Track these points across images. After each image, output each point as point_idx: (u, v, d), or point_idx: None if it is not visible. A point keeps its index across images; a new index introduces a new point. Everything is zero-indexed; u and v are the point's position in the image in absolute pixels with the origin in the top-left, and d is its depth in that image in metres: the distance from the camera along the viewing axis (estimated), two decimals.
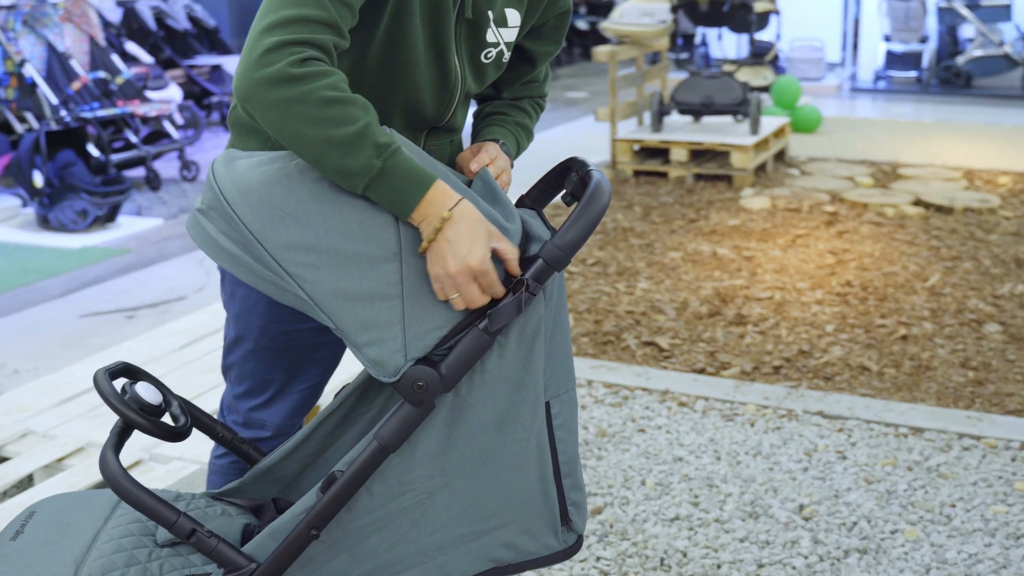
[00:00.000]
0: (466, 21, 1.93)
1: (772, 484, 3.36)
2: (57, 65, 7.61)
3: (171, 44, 10.41)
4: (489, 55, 1.99)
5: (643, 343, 4.60)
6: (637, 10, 8.29)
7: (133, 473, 3.19)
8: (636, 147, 8.09)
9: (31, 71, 7.37)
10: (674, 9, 8.17)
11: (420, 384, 1.64)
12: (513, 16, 2.00)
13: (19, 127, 7.60)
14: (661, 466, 3.49)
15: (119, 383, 1.87)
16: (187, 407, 1.95)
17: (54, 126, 7.11)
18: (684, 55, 12.93)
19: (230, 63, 10.38)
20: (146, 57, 9.32)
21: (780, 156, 8.47)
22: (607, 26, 8.28)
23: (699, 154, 7.95)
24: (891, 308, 4.97)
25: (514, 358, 1.70)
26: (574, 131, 10.38)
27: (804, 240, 6.13)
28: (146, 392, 1.84)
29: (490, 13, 1.95)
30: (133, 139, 7.61)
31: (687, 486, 3.36)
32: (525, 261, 1.69)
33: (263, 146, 1.91)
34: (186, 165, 7.94)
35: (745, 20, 8.28)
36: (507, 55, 2.03)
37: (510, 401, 1.72)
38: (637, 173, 7.92)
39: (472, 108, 2.23)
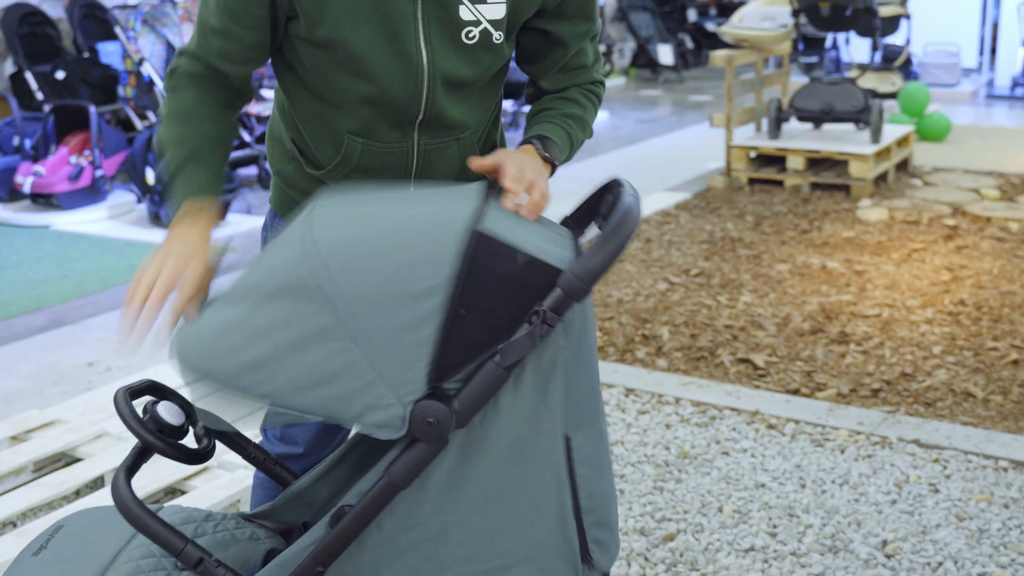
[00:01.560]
0: (430, 0, 1.85)
1: (856, 516, 3.20)
2: None
3: None
4: (471, 35, 1.88)
5: (738, 360, 4.45)
6: (757, 14, 8.10)
7: (199, 480, 3.19)
8: (752, 154, 7.89)
9: (149, 70, 7.50)
10: (795, 13, 7.94)
11: (431, 421, 1.56)
12: None
13: (139, 124, 7.75)
14: (741, 492, 3.36)
15: (145, 401, 1.83)
16: (217, 426, 1.90)
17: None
18: (812, 59, 12.63)
19: None
20: None
21: (903, 166, 8.18)
22: (726, 30, 8.10)
23: (817, 162, 7.72)
24: (1005, 330, 4.72)
25: (530, 391, 1.61)
26: (691, 136, 10.20)
27: (920, 255, 5.89)
28: (167, 412, 1.80)
29: None
30: (246, 137, 7.68)
31: (766, 515, 3.22)
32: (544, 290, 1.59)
33: (283, 155, 2.09)
34: None
35: (870, 25, 8.01)
36: (497, 34, 1.91)
37: (525, 435, 1.63)
38: (752, 181, 7.73)
39: (493, 108, 2.08)
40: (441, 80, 1.90)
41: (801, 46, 9.43)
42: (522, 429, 1.62)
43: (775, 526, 3.15)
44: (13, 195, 7.08)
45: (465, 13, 1.87)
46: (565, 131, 2.00)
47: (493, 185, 1.77)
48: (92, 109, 6.96)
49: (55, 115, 7.23)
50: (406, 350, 1.54)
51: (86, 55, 8.42)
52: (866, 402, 4.02)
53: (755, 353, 4.51)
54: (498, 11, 1.89)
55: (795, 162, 7.57)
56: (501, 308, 1.57)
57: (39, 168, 6.92)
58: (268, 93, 8.44)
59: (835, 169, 7.62)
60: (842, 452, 3.62)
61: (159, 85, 7.45)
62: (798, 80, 11.07)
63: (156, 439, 1.75)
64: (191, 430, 1.87)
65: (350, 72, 1.88)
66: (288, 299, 1.56)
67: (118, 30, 7.57)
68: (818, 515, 3.21)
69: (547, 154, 1.92)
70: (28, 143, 7.20)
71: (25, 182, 6.90)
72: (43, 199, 6.88)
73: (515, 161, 1.80)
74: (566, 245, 1.67)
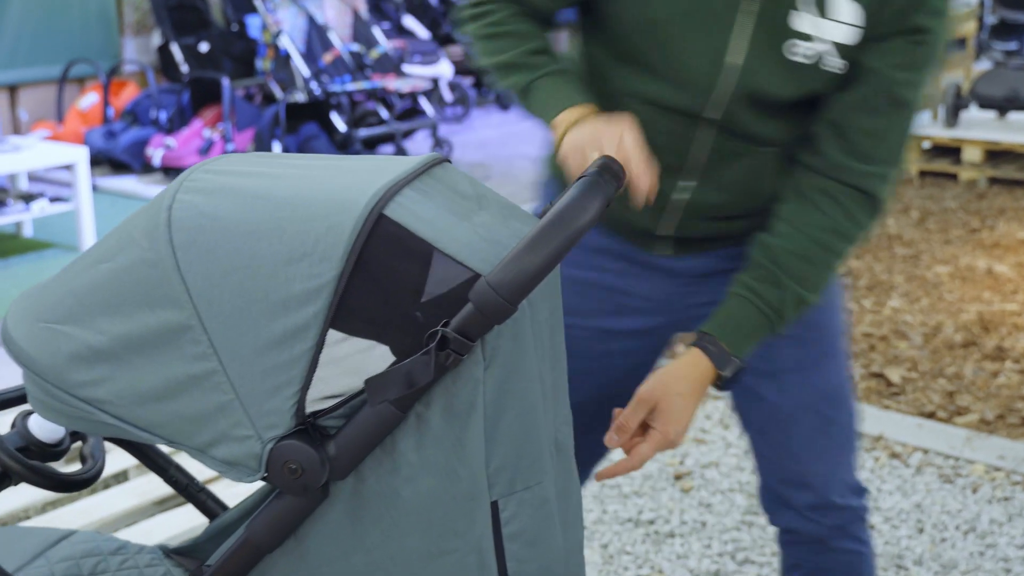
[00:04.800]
0: None
1: (978, 574, 2.67)
2: (316, 37, 7.53)
3: (452, 19, 10.25)
4: (796, 50, 1.52)
5: (870, 374, 3.92)
6: None
7: (217, 486, 2.88)
8: (925, 144, 7.23)
9: (286, 42, 7.31)
10: None
11: (293, 467, 1.16)
12: (848, 6, 1.49)
13: (280, 96, 7.58)
14: None
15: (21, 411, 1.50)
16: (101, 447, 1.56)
17: (300, 98, 7.02)
18: (1010, 46, 11.68)
19: None
20: (423, 32, 9.18)
21: None
22: None
23: (996, 155, 7.00)
24: None
25: (439, 439, 1.19)
26: None
27: None
28: (40, 427, 1.46)
29: None
30: (384, 114, 7.43)
31: None
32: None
33: None
34: (438, 143, 7.71)
35: None
36: (836, 62, 1.51)
37: (435, 497, 1.21)
38: (923, 173, 7.06)
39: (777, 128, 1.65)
40: (747, 94, 1.57)
41: (985, 30, 8.66)
42: (430, 489, 1.21)
43: None
44: (147, 168, 6.99)
45: (801, 22, 1.51)
46: (766, 314, 1.59)
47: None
48: (225, 82, 6.79)
49: (192, 88, 7.12)
50: (273, 371, 1.15)
51: (234, 27, 8.32)
52: (1013, 431, 3.45)
53: (892, 367, 3.96)
54: (845, 33, 1.51)
55: (972, 154, 6.88)
56: (397, 323, 1.18)
57: (170, 141, 6.81)
58: (410, 69, 8.18)
59: (1017, 162, 6.89)
60: (974, 492, 3.08)
61: (295, 58, 7.26)
62: (982, 68, 10.24)
63: (10, 459, 1.42)
64: (82, 444, 1.54)
65: (643, 36, 1.59)
66: (135, 282, 1.19)
67: (257, 1, 7.40)
68: (931, 569, 2.69)
69: (721, 373, 1.58)
70: (164, 115, 7.10)
71: (155, 154, 6.79)
72: (174, 172, 6.77)
73: (655, 391, 1.55)
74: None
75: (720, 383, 1.57)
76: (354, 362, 1.59)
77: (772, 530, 2.84)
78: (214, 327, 1.15)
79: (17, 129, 7.77)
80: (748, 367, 1.61)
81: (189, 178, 1.22)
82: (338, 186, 1.20)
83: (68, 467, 1.66)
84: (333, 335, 1.16)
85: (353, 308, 1.14)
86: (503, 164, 8.26)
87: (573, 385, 1.54)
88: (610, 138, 1.43)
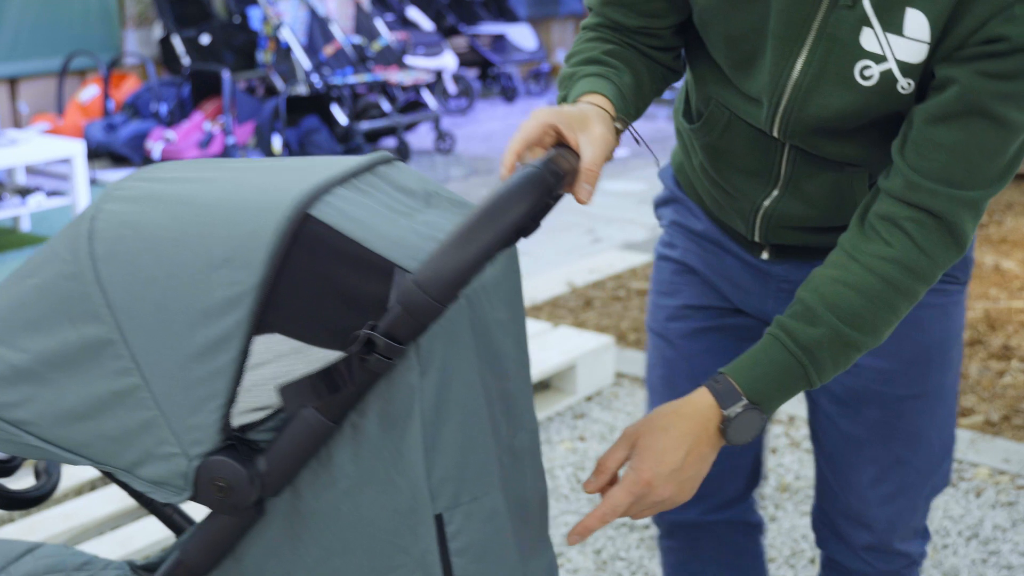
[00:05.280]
0: (838, 7, 1.35)
1: None
2: (317, 29, 7.47)
3: (456, 11, 10.18)
4: (869, 73, 1.37)
5: None
6: None
7: None
8: None
9: (287, 35, 7.25)
10: None
11: (220, 484, 1.10)
12: (917, 22, 1.33)
13: (281, 89, 7.53)
14: None
15: None
16: None
17: (301, 91, 6.96)
18: None
19: (515, 32, 10.04)
20: (426, 24, 9.11)
21: None
22: None
23: None
24: None
25: (377, 450, 1.13)
26: None
27: None
28: None
29: (869, 4, 1.34)
30: (386, 107, 7.36)
31: None
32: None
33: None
34: (441, 136, 7.64)
35: None
36: (905, 82, 1.36)
37: (376, 511, 1.15)
38: None
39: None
40: (803, 116, 1.44)
41: None
42: (370, 502, 1.15)
43: None
44: (147, 161, 6.94)
45: (868, 41, 1.36)
46: (793, 353, 1.38)
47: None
48: (226, 75, 6.74)
49: (192, 81, 7.06)
50: (197, 384, 1.09)
51: (236, 20, 8.26)
52: (1018, 433, 3.38)
53: None
54: (915, 51, 1.35)
55: None
56: (326, 328, 1.10)
57: (170, 134, 6.76)
58: (413, 61, 8.11)
59: None
60: (977, 496, 3.01)
61: (295, 51, 7.19)
62: None
63: None
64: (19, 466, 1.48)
65: (726, 55, 1.48)
66: (56, 298, 1.13)
67: None
68: None
69: (724, 413, 1.37)
70: (164, 108, 7.05)
71: (155, 147, 6.74)
72: None
73: (639, 426, 1.37)
74: None
75: (726, 428, 1.35)
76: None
77: (772, 534, 2.78)
78: (135, 340, 1.09)
79: (17, 122, 7.72)
80: (765, 415, 1.38)
81: (119, 186, 1.16)
82: (266, 187, 1.13)
83: (21, 483, 1.59)
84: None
85: (278, 315, 1.08)
86: None
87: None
88: (573, 123, 1.32)
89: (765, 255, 1.65)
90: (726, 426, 1.35)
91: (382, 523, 1.15)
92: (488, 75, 10.07)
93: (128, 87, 7.68)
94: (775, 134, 1.48)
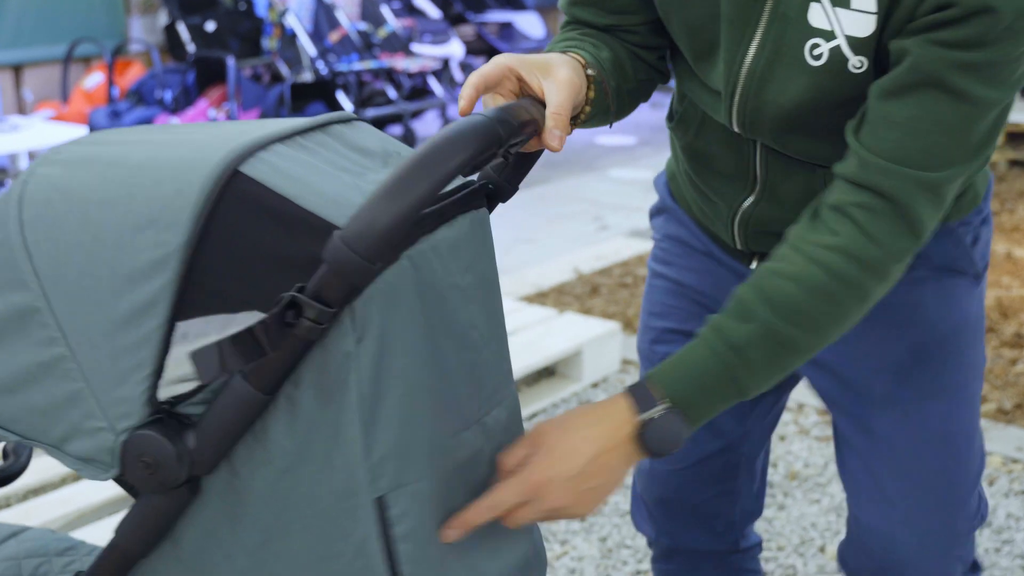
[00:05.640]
0: None
1: (993, 573, 2.55)
2: (323, 15, 7.42)
3: None
4: (818, 51, 1.28)
5: None
6: None
7: None
8: None
9: (292, 21, 7.20)
10: None
11: (146, 461, 1.04)
12: None
13: (286, 76, 7.48)
14: None
15: None
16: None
17: (307, 78, 6.92)
18: None
19: (522, 20, 9.97)
20: (433, 11, 9.05)
21: None
22: None
23: (1017, 137, 6.84)
24: None
25: (314, 424, 1.05)
26: None
27: None
28: None
29: None
30: (392, 94, 7.31)
31: None
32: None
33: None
34: (448, 124, 7.60)
35: None
36: (856, 61, 1.27)
37: (315, 492, 1.08)
38: None
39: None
40: (760, 106, 1.36)
41: None
42: (309, 482, 1.07)
43: None
44: None
45: (816, 17, 1.27)
46: (720, 354, 1.24)
47: None
48: (230, 61, 6.69)
49: (197, 67, 7.02)
50: (122, 353, 1.03)
51: (242, 6, 8.21)
52: None
53: None
54: (863, 24, 1.25)
55: None
56: (258, 291, 1.03)
57: (175, 121, 6.71)
58: (420, 48, 8.06)
59: None
60: (991, 484, 2.95)
61: (301, 37, 7.14)
62: None
63: None
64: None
65: (688, 45, 1.42)
66: None
67: None
68: None
69: (639, 431, 1.22)
70: (169, 95, 7.00)
71: None
72: None
73: (543, 425, 1.23)
74: None
75: (644, 434, 1.21)
76: None
77: (780, 523, 2.73)
78: (61, 308, 1.04)
79: (22, 109, 7.68)
80: (691, 423, 1.23)
81: (55, 150, 1.11)
82: (200, 145, 1.07)
83: None
84: None
85: (206, 279, 1.02)
86: None
87: None
88: (535, 67, 1.24)
89: (754, 265, 1.55)
90: (643, 432, 1.21)
91: (321, 505, 1.08)
92: None
93: (133, 74, 7.63)
94: (735, 128, 1.40)
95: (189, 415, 1.05)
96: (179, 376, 1.10)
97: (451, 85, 8.70)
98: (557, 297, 4.46)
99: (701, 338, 1.25)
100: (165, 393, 1.06)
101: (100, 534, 2.53)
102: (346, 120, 1.19)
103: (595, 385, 3.63)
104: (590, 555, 2.66)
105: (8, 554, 1.51)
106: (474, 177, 1.26)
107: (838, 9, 1.26)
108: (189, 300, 1.01)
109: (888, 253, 1.25)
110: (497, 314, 1.23)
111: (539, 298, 4.42)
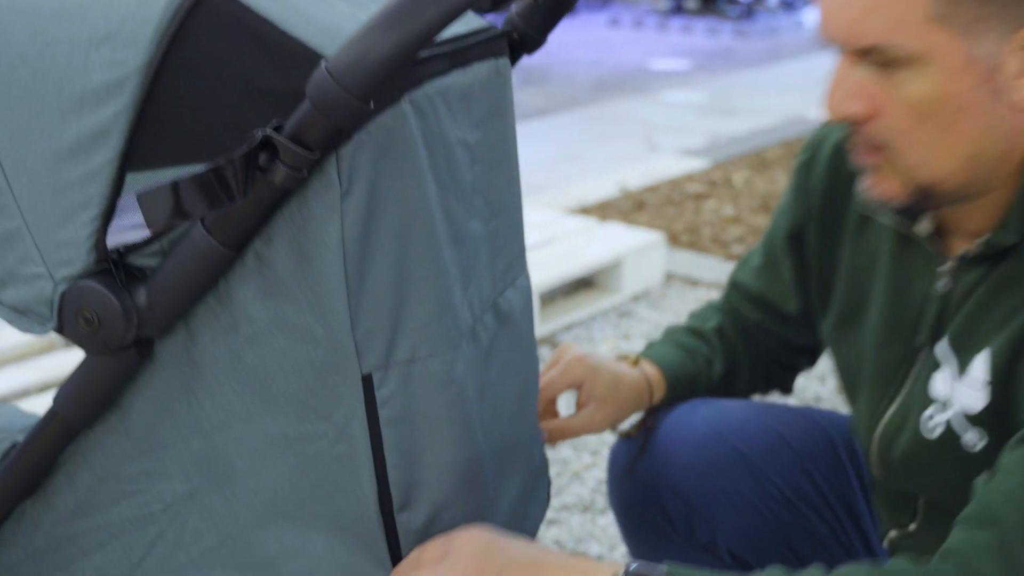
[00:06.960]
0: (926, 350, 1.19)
1: None
2: None
3: None
4: (933, 425, 1.17)
5: None
6: None
7: None
8: None
9: None
10: None
11: (87, 316, 0.90)
12: (981, 363, 1.12)
13: None
14: None
15: None
16: None
17: None
18: None
19: None
20: None
21: None
22: None
23: None
24: None
25: (288, 288, 0.91)
26: None
27: None
28: None
29: (948, 343, 1.15)
30: None
31: None
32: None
33: None
34: None
35: None
36: (969, 436, 1.14)
37: (288, 366, 0.93)
38: None
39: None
40: (894, 466, 1.25)
41: None
42: (280, 354, 0.93)
43: None
44: None
45: (940, 386, 1.17)
46: None
47: None
48: None
49: None
50: (67, 190, 0.89)
51: None
52: None
53: None
54: (974, 398, 1.12)
55: None
56: (227, 124, 0.87)
57: None
58: None
59: None
60: None
61: None
62: None
63: None
64: None
65: (843, 382, 1.38)
66: None
67: None
68: None
69: None
70: None
71: None
72: None
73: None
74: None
75: None
76: None
77: None
78: (0, 132, 0.89)
79: None
80: None
81: None
82: None
83: None
84: None
85: (167, 109, 0.87)
86: (562, 68, 7.92)
87: None
88: (599, 383, 1.40)
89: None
90: None
91: (295, 381, 0.93)
92: None
93: None
94: (874, 472, 1.31)
95: (142, 267, 0.91)
96: (131, 222, 1.00)
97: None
98: (600, 212, 4.22)
99: None
100: (114, 240, 0.92)
101: None
102: None
103: (635, 299, 3.41)
104: (598, 552, 2.46)
105: None
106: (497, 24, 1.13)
107: (957, 384, 1.14)
108: (147, 133, 0.87)
109: None
110: (512, 185, 1.10)
111: (581, 212, 4.19)
